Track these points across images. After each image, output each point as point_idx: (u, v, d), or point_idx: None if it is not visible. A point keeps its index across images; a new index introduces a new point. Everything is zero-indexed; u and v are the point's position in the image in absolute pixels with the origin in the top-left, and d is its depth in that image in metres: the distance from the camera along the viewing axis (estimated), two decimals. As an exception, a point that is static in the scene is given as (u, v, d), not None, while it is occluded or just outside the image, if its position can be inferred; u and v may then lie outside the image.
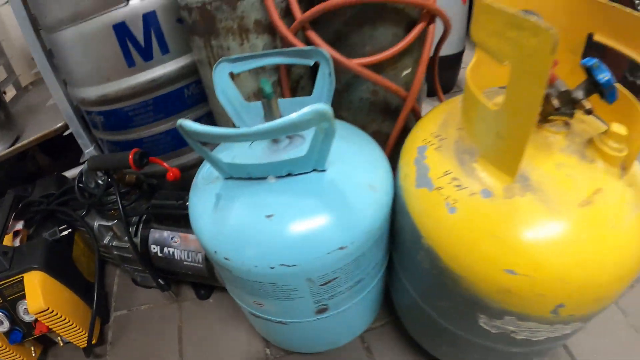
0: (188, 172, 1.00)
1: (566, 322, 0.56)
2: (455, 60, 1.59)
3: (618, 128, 0.52)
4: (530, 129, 0.47)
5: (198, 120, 0.99)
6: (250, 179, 0.61)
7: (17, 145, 1.11)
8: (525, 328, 0.57)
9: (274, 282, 0.61)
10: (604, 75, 0.50)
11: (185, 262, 0.86)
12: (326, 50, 0.66)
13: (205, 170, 0.67)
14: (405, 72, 0.75)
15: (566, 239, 0.50)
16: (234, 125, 0.71)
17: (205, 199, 0.63)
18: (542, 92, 0.44)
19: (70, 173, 1.15)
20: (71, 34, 0.89)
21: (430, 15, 0.69)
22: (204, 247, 0.63)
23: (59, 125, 1.09)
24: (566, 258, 0.49)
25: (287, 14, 0.74)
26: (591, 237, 0.50)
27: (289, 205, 0.58)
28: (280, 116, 0.62)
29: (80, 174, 0.91)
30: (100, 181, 0.90)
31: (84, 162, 1.16)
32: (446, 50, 1.50)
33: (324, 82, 0.64)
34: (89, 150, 1.09)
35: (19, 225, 0.98)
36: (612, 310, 0.90)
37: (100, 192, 0.89)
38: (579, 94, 0.53)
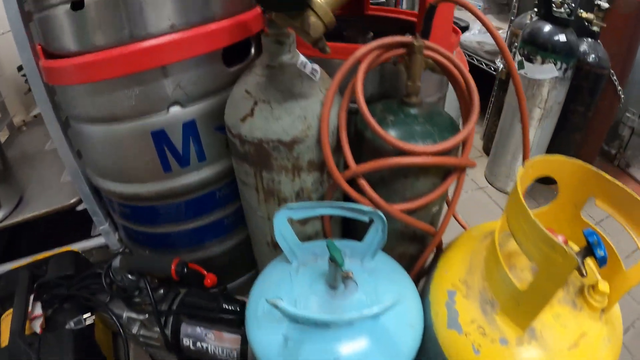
0: (212, 263, 1.05)
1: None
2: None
3: (603, 287, 0.71)
4: (544, 307, 0.64)
5: (227, 217, 1.03)
6: (315, 324, 0.70)
7: (27, 216, 1.06)
8: None
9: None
10: (601, 252, 0.65)
11: (219, 357, 0.93)
12: (375, 200, 0.76)
13: (265, 308, 0.75)
14: (434, 209, 0.86)
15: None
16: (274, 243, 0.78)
17: (272, 336, 0.71)
18: (558, 289, 0.61)
19: (80, 246, 1.13)
20: (102, 131, 0.88)
21: (463, 168, 0.81)
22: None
23: (73, 200, 1.06)
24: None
25: (336, 151, 0.81)
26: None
27: (350, 349, 0.69)
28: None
29: (109, 266, 0.93)
30: (130, 276, 0.92)
31: (96, 236, 1.14)
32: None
33: (376, 235, 0.74)
34: (104, 227, 1.08)
35: (38, 309, 0.97)
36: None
37: (132, 287, 0.91)
38: (578, 260, 0.68)
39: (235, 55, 0.93)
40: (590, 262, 0.80)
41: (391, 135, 0.74)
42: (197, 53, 0.82)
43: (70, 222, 1.12)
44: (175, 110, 0.86)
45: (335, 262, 0.67)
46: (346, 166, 0.79)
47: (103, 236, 1.09)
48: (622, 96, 1.79)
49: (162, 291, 0.96)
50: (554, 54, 1.51)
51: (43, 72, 0.87)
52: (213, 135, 0.91)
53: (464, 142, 0.79)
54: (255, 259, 1.07)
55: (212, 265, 1.04)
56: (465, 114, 0.82)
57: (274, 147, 0.76)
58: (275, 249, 0.90)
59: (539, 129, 1.72)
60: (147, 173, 0.90)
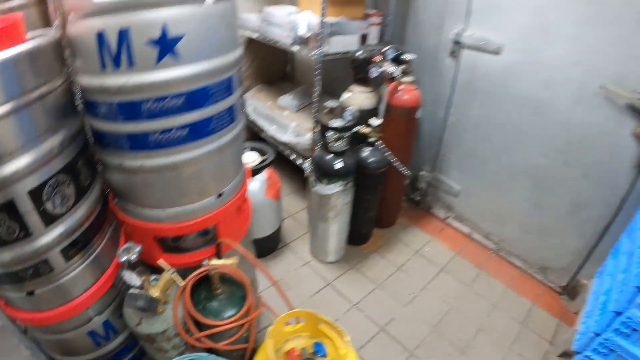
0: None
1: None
2: (275, 235, 2.60)
3: None
4: None
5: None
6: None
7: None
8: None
9: None
10: (321, 356, 1.61)
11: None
12: (211, 346, 1.63)
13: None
14: (245, 334, 1.75)
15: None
16: None
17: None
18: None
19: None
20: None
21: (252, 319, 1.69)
22: None
23: None
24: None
25: (185, 323, 1.65)
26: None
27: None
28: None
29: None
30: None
31: None
32: (265, 232, 2.46)
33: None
34: None
35: None
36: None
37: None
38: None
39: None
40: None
41: (209, 316, 1.60)
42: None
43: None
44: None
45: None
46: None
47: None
48: (408, 173, 2.41)
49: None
50: (335, 177, 2.10)
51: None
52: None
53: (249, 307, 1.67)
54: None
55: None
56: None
57: (155, 335, 1.58)
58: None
59: (336, 223, 2.29)
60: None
